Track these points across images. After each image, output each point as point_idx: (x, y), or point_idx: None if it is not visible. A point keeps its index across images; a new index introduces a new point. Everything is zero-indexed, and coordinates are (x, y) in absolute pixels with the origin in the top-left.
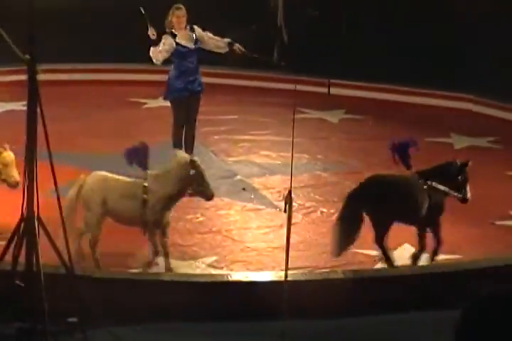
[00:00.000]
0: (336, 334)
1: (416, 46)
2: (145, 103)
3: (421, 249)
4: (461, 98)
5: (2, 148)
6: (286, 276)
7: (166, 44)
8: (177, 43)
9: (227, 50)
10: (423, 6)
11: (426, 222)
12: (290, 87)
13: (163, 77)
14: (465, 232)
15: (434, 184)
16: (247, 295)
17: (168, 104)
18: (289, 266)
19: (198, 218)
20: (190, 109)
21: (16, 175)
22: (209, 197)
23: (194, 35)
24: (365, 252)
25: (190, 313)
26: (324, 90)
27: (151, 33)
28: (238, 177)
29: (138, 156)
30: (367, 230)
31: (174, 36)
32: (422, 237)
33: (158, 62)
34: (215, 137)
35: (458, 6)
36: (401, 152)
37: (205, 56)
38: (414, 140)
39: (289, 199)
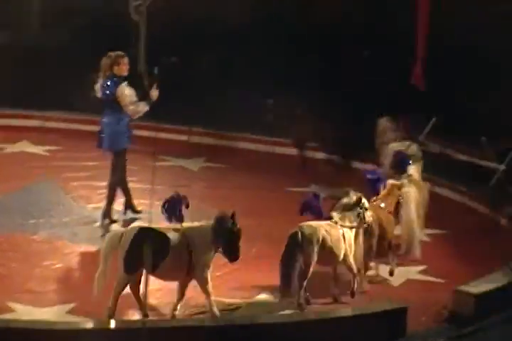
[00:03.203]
0: None
1: None
2: (4, 148)
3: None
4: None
5: None
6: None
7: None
8: None
9: None
10: None
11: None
12: (151, 134)
13: (23, 122)
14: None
15: None
16: None
17: (24, 149)
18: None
19: (54, 265)
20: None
21: None
22: None
23: None
24: (223, 300)
25: None
26: (185, 138)
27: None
28: (98, 223)
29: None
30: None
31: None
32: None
33: None
34: (75, 183)
35: None
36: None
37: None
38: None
39: None
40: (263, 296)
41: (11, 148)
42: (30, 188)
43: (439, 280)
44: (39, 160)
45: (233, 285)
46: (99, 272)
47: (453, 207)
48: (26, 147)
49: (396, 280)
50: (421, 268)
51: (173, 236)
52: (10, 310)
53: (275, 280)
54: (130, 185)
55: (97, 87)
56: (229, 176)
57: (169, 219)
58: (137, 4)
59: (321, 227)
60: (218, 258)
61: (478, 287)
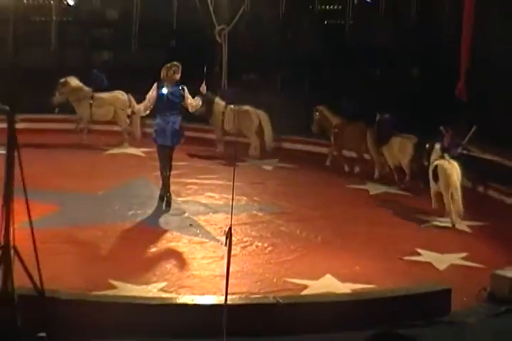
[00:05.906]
0: None
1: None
2: (107, 149)
3: None
4: None
5: None
6: (226, 300)
7: None
8: None
9: None
10: None
11: None
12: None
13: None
14: (379, 266)
15: None
16: (192, 316)
17: (125, 150)
18: (228, 292)
19: (151, 249)
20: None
21: None
22: None
23: None
24: (293, 281)
25: (145, 331)
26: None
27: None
28: (186, 214)
29: None
30: (298, 260)
31: None
32: None
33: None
34: None
35: None
36: None
37: None
38: None
39: (229, 235)
40: (327, 276)
41: (113, 150)
42: (129, 184)
43: (479, 265)
44: (136, 160)
45: (302, 267)
46: None
47: (491, 203)
48: (126, 149)
49: (441, 265)
50: (463, 254)
51: None
52: (112, 287)
53: (337, 263)
54: (213, 181)
55: (165, 91)
56: (299, 175)
57: None
58: (221, 28)
59: None
60: (289, 245)
61: None
